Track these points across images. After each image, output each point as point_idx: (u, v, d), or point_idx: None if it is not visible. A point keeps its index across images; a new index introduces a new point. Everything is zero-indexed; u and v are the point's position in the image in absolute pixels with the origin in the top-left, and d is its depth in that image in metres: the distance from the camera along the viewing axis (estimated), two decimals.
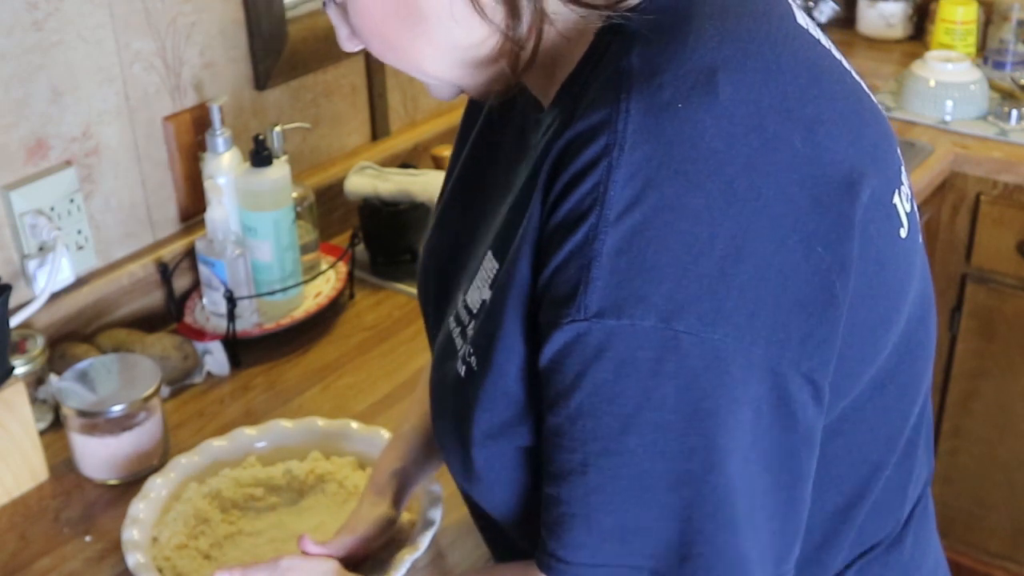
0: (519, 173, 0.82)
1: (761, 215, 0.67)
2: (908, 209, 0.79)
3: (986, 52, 2.24)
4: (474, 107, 0.97)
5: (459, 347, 0.81)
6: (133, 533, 1.09)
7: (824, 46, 0.78)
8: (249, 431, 1.23)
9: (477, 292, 0.80)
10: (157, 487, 1.15)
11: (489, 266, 0.79)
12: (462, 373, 0.79)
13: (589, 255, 0.67)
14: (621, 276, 0.66)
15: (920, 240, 0.83)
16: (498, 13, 0.73)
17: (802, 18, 0.78)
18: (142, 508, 1.13)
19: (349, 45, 0.80)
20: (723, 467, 0.69)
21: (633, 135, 0.67)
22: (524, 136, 0.85)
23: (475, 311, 0.80)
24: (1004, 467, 2.14)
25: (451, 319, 0.84)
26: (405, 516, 1.10)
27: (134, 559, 1.06)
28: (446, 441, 0.84)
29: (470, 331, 0.80)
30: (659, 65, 0.69)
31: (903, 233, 0.77)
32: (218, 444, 1.21)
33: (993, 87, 2.11)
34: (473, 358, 0.78)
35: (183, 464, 1.18)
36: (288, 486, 1.18)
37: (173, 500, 1.16)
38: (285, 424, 1.23)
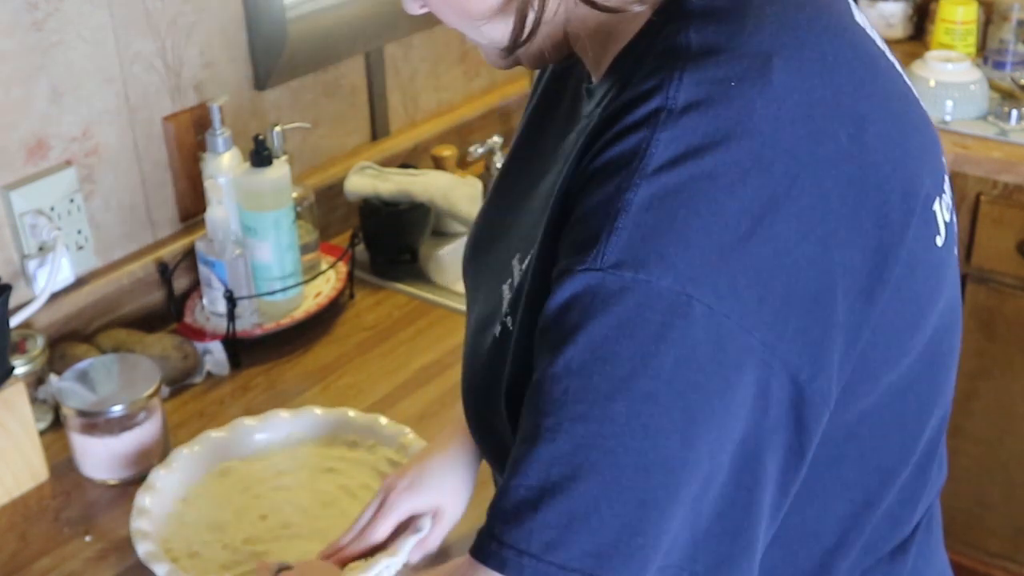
0: (566, 143, 0.82)
1: (792, 204, 0.66)
2: (947, 219, 0.78)
3: (986, 52, 2.24)
4: (536, 87, 0.97)
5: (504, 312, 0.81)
6: (142, 524, 1.10)
7: (879, 46, 0.78)
8: (284, 414, 1.24)
9: None
10: (180, 464, 1.17)
11: None
12: (497, 333, 0.80)
13: (618, 204, 0.66)
14: (647, 231, 0.65)
15: (955, 252, 0.81)
16: None
17: (859, 16, 0.78)
18: (162, 475, 1.15)
19: (414, 6, 0.79)
20: (697, 449, 0.66)
21: (684, 102, 0.67)
22: (575, 106, 0.85)
23: None
24: (1004, 467, 2.14)
25: (504, 286, 0.83)
26: None
27: (144, 548, 1.06)
28: (475, 410, 0.84)
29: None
30: (716, 45, 0.69)
31: (939, 241, 0.76)
32: (255, 428, 1.23)
33: (993, 87, 2.10)
34: (508, 318, 0.78)
35: (212, 438, 1.21)
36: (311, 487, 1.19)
37: (186, 488, 1.17)
38: (317, 412, 1.25)
